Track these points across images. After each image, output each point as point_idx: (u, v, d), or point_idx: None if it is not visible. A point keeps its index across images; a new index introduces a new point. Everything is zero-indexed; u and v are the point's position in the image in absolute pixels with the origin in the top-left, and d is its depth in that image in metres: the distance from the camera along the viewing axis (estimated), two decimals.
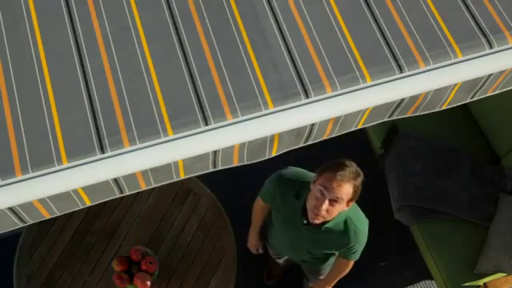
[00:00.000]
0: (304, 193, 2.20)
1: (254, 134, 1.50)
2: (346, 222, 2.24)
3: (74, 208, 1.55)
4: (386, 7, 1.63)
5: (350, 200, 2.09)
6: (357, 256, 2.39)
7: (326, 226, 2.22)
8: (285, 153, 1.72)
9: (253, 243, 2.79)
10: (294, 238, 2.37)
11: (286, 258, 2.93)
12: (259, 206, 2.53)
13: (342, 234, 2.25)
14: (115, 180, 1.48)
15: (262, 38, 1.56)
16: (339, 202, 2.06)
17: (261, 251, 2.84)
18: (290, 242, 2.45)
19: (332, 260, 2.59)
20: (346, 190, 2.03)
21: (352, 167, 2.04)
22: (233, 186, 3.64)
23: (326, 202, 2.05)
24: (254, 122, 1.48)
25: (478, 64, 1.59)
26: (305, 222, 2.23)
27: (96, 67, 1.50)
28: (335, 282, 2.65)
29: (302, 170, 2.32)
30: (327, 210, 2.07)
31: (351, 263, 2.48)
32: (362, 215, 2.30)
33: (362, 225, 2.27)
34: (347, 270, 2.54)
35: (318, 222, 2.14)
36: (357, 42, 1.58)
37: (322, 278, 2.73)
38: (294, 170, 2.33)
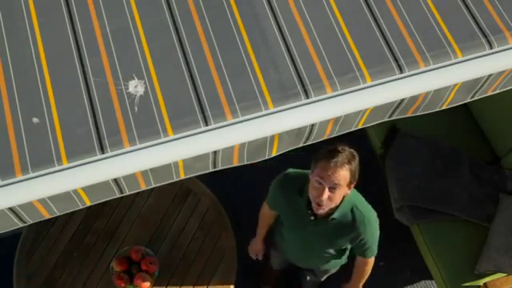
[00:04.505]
0: (306, 187, 2.21)
1: (254, 134, 1.50)
2: (352, 211, 2.26)
3: (74, 208, 1.55)
4: (386, 7, 1.63)
5: (350, 183, 2.12)
6: (372, 252, 2.41)
7: (333, 216, 2.24)
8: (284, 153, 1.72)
9: (255, 249, 2.81)
10: (305, 237, 2.38)
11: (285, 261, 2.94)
12: (265, 213, 2.56)
13: (351, 224, 2.27)
14: (115, 180, 1.48)
15: (262, 37, 1.56)
16: (339, 188, 2.08)
17: (260, 258, 2.85)
18: (303, 243, 2.46)
19: (344, 259, 2.60)
20: (343, 175, 2.05)
21: (345, 152, 2.06)
22: (233, 185, 3.64)
23: (326, 190, 2.07)
24: (253, 122, 1.48)
25: (478, 64, 1.59)
26: (311, 216, 2.26)
27: (96, 67, 1.50)
28: (361, 284, 2.65)
29: (300, 170, 2.35)
30: (329, 198, 2.10)
31: (371, 261, 2.48)
32: (369, 206, 2.33)
33: (368, 213, 2.30)
34: (369, 270, 2.55)
35: (323, 211, 2.16)
36: (357, 42, 1.58)
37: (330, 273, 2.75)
38: (292, 170, 2.37)
